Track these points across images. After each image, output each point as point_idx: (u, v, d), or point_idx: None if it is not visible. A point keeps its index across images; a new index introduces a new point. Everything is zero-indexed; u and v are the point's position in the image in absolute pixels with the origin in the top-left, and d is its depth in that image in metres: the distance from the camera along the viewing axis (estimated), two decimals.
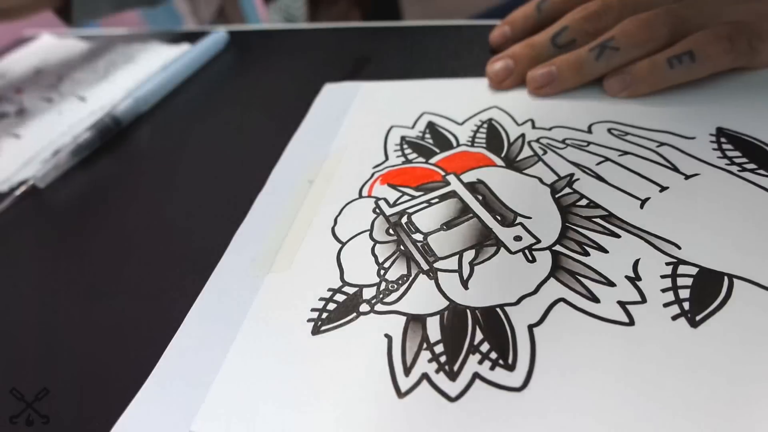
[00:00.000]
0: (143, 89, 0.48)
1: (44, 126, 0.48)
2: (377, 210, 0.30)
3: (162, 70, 0.51)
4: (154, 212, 0.36)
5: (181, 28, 0.67)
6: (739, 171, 0.28)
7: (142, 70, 0.54)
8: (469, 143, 0.34)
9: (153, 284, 0.30)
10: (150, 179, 0.40)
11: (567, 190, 0.29)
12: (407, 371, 0.22)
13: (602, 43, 0.34)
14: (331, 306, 0.25)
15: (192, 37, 0.58)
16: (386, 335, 0.23)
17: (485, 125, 0.35)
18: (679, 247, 0.25)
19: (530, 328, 0.23)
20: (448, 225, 0.28)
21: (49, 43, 0.65)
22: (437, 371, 0.22)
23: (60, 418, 0.24)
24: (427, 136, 0.36)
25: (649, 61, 0.33)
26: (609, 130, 0.32)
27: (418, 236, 0.28)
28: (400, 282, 0.26)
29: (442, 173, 0.32)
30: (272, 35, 0.59)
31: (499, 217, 0.28)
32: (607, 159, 0.30)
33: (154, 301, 0.28)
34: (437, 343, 0.23)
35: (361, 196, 0.32)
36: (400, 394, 0.21)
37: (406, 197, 0.31)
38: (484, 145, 0.34)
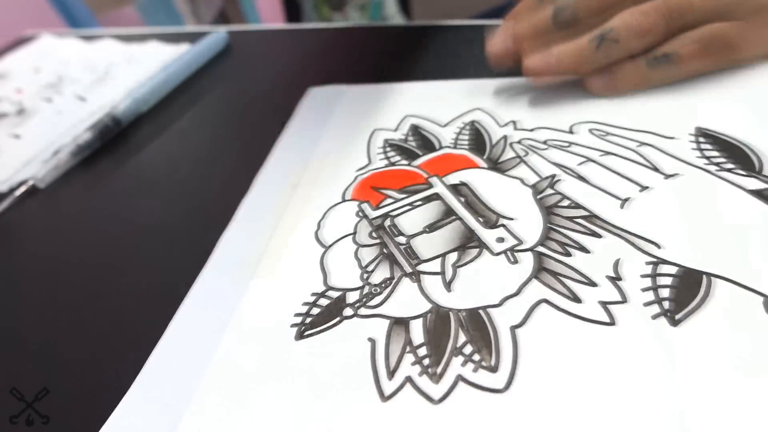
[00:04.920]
0: (143, 89, 0.47)
1: (44, 126, 0.46)
2: (360, 213, 0.29)
3: (162, 70, 0.49)
4: (155, 212, 0.35)
5: (181, 28, 0.66)
6: (717, 170, 0.26)
7: (142, 70, 0.53)
8: (453, 145, 0.33)
9: (153, 283, 0.29)
10: (150, 179, 0.39)
11: (549, 190, 0.27)
12: (391, 375, 0.21)
13: (602, 33, 0.32)
14: (315, 311, 0.24)
15: (192, 37, 0.57)
16: (370, 339, 0.22)
17: (468, 127, 0.34)
18: (660, 247, 0.23)
19: (513, 329, 0.22)
20: (431, 227, 0.27)
21: (49, 43, 0.63)
22: (421, 374, 0.21)
23: (60, 418, 0.23)
24: (411, 138, 0.34)
25: (631, 62, 0.32)
26: (590, 131, 0.31)
27: (401, 239, 0.27)
28: (383, 285, 0.24)
29: (426, 175, 0.31)
30: (272, 35, 0.58)
31: (482, 219, 0.27)
32: (588, 159, 0.29)
33: (154, 300, 0.28)
34: (421, 345, 0.22)
35: (344, 200, 0.30)
36: (384, 398, 0.20)
37: (389, 200, 0.29)
38: (467, 147, 0.32)
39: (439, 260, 0.25)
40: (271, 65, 0.52)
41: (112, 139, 0.44)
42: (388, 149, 0.34)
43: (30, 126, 0.47)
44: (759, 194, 0.25)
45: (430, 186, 0.30)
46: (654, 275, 0.22)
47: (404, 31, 0.51)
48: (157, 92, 0.48)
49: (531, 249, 0.25)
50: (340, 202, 0.30)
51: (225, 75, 0.51)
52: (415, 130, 0.35)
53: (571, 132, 0.31)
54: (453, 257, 0.25)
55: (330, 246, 0.27)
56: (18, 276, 0.32)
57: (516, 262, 0.24)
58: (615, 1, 0.32)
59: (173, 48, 0.56)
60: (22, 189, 0.38)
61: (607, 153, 0.29)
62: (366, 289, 0.24)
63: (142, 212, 0.35)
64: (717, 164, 0.27)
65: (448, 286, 0.24)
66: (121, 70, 0.54)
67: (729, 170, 0.26)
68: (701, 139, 0.28)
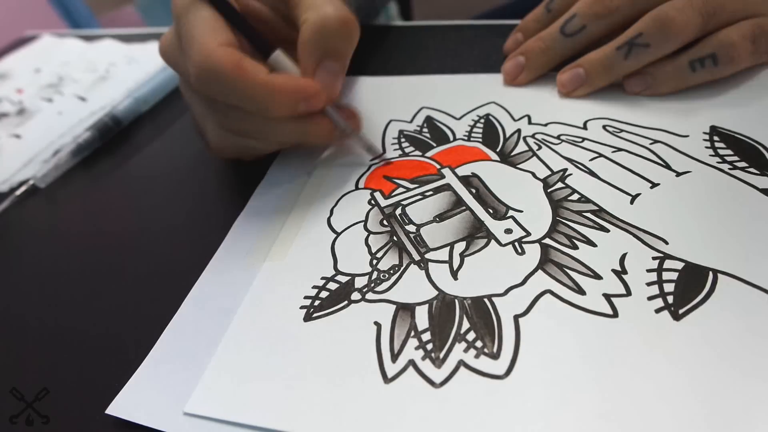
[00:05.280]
0: (143, 89, 0.51)
1: (44, 126, 0.51)
2: (372, 201, 0.33)
3: (162, 70, 0.54)
4: (154, 211, 0.38)
5: None
6: (729, 169, 0.30)
7: (142, 70, 0.57)
8: (466, 137, 0.37)
9: (153, 283, 0.32)
10: (150, 179, 0.42)
11: (559, 184, 0.31)
12: (394, 358, 0.24)
13: (630, 40, 0.35)
14: (324, 294, 0.28)
15: None
16: (376, 323, 0.26)
17: (482, 120, 0.38)
18: (667, 242, 0.27)
19: (516, 318, 0.25)
20: (441, 217, 0.31)
21: (49, 43, 0.68)
22: (423, 358, 0.24)
23: (60, 418, 0.26)
24: (425, 130, 0.38)
25: (671, 64, 0.35)
26: (604, 127, 0.34)
27: (411, 227, 0.31)
28: (391, 272, 0.28)
29: (438, 166, 0.35)
30: None
31: (491, 210, 0.30)
32: (600, 155, 0.32)
33: (154, 300, 0.30)
34: (425, 331, 0.25)
35: (357, 188, 0.34)
36: (387, 380, 0.23)
37: (401, 189, 0.33)
38: (480, 140, 0.36)
39: (446, 249, 0.29)
40: None
41: (112, 139, 0.47)
42: (403, 140, 0.38)
43: (30, 126, 0.51)
44: None
45: (442, 177, 0.34)
46: (659, 270, 0.26)
47: (405, 30, 0.54)
48: (157, 92, 0.52)
49: (538, 241, 0.28)
50: (353, 190, 0.34)
51: None
52: (430, 121, 0.39)
53: (584, 128, 0.35)
54: (461, 247, 0.29)
55: (341, 232, 0.31)
56: (18, 275, 0.35)
57: (522, 253, 0.28)
58: (620, 3, 0.35)
59: None
60: (22, 189, 0.42)
61: (620, 149, 0.33)
62: (374, 275, 0.28)
63: (142, 212, 0.39)
64: (729, 163, 0.30)
65: (454, 274, 0.27)
66: (121, 70, 0.58)
67: (741, 169, 0.30)
68: (714, 138, 0.32)
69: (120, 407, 0.25)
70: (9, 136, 0.50)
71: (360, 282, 0.28)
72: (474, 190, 0.32)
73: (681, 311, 0.24)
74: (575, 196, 0.30)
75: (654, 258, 0.26)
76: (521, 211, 0.30)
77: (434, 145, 0.37)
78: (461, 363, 0.23)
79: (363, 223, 0.32)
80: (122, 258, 0.34)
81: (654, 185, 0.30)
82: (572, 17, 0.38)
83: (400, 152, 0.37)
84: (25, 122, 0.52)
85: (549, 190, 0.31)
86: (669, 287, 0.25)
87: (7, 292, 0.34)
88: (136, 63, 0.59)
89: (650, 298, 0.24)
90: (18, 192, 0.42)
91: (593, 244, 0.27)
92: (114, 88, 0.55)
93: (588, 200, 0.30)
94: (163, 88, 0.52)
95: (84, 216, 0.40)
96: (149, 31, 0.69)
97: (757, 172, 0.29)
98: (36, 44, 0.69)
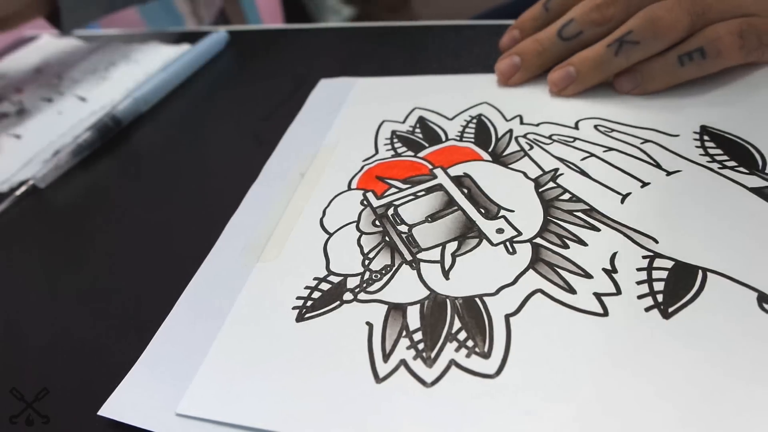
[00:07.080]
0: (143, 89, 0.51)
1: (44, 126, 0.50)
2: (365, 202, 0.33)
3: (162, 70, 0.54)
4: (154, 211, 0.38)
5: (181, 28, 0.69)
6: (719, 168, 0.30)
7: (142, 70, 0.57)
8: (458, 138, 0.37)
9: (147, 283, 0.32)
10: (150, 179, 0.42)
11: (551, 184, 0.31)
12: (386, 357, 0.24)
13: (620, 38, 0.35)
14: (316, 294, 0.28)
15: (192, 37, 0.61)
16: (367, 323, 0.26)
17: (474, 120, 0.38)
18: (657, 241, 0.27)
19: (507, 317, 0.25)
20: (432, 217, 0.31)
21: (49, 43, 0.68)
22: (415, 358, 0.24)
23: (60, 418, 0.26)
24: (417, 130, 0.38)
25: (660, 60, 0.35)
26: (595, 127, 0.35)
27: (403, 228, 0.31)
28: (383, 272, 0.28)
29: (430, 167, 0.35)
30: (272, 35, 0.62)
31: (482, 210, 0.31)
32: (591, 155, 0.33)
33: (154, 299, 0.30)
34: (416, 330, 0.25)
35: (349, 189, 0.34)
36: (378, 379, 0.23)
37: (393, 189, 0.33)
38: (473, 140, 0.36)
39: (438, 249, 0.29)
40: (271, 65, 0.56)
41: (112, 139, 0.47)
42: (395, 140, 0.38)
43: (30, 126, 0.51)
44: (759, 192, 0.28)
45: (434, 177, 0.34)
46: (649, 268, 0.26)
47: (404, 30, 0.54)
48: (157, 92, 0.52)
49: (529, 240, 0.28)
50: (345, 191, 0.34)
51: (225, 75, 0.55)
52: (422, 122, 0.39)
53: (576, 127, 0.35)
54: (452, 246, 0.29)
55: (333, 233, 0.31)
56: (18, 275, 0.35)
57: (514, 252, 0.28)
58: (615, 12, 0.36)
59: (173, 48, 0.61)
60: (22, 189, 0.42)
61: (611, 149, 0.33)
62: (366, 275, 0.28)
63: (142, 212, 0.38)
64: (719, 162, 0.30)
65: (446, 274, 0.27)
66: (121, 70, 0.58)
67: (731, 168, 0.30)
68: (705, 137, 0.32)
69: (112, 408, 0.25)
70: (9, 136, 0.50)
71: (352, 282, 0.28)
72: (466, 190, 0.32)
73: (670, 309, 0.24)
74: (566, 196, 0.30)
75: (644, 257, 0.26)
76: (513, 211, 0.30)
77: (426, 145, 0.37)
78: (452, 362, 0.23)
79: (355, 223, 0.32)
80: (119, 258, 0.34)
81: (644, 184, 0.30)
82: (570, 22, 0.38)
83: (392, 153, 0.37)
84: (25, 122, 0.51)
85: (540, 190, 0.31)
86: (659, 286, 0.25)
87: (6, 292, 0.34)
88: (136, 63, 0.59)
89: (640, 297, 0.24)
90: (18, 192, 0.42)
91: (584, 244, 0.27)
92: (114, 88, 0.55)
93: (579, 200, 0.30)
94: (163, 88, 0.52)
95: (84, 216, 0.40)
96: (149, 31, 0.69)
97: (746, 172, 0.29)
98: (36, 44, 0.68)
